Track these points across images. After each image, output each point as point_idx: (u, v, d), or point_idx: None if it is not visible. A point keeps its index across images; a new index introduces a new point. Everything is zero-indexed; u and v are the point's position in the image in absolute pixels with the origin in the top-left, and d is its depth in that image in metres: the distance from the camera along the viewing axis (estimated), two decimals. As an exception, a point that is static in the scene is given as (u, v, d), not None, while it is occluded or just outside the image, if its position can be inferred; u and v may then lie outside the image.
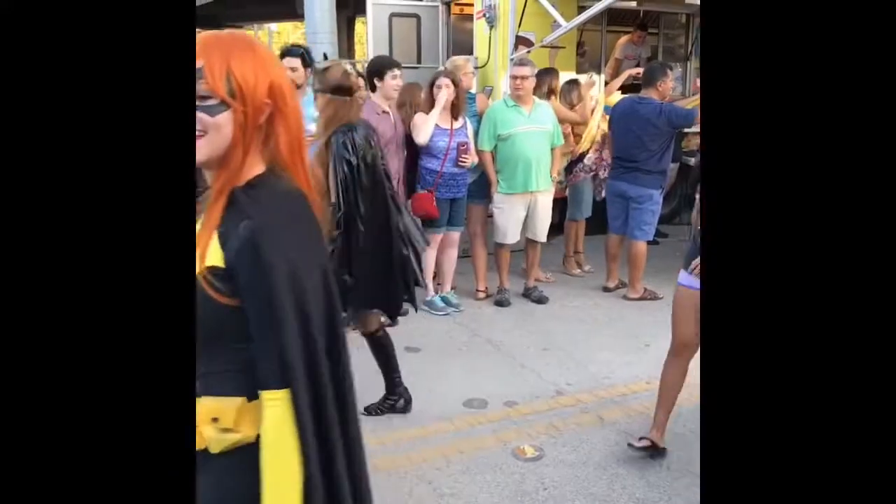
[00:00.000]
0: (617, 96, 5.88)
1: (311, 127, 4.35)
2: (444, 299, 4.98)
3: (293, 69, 4.30)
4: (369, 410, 3.36)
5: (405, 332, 4.56)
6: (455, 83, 4.65)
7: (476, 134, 4.92)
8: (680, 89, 7.37)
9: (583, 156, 5.59)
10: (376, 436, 3.19)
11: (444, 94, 4.55)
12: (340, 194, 2.94)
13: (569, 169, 5.64)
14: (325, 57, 5.03)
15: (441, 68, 5.40)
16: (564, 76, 5.80)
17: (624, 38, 7.27)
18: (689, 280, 2.81)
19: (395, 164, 4.53)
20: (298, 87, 4.42)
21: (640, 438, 2.97)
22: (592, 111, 5.54)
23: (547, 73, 5.53)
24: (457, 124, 4.72)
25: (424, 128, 4.57)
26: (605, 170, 5.50)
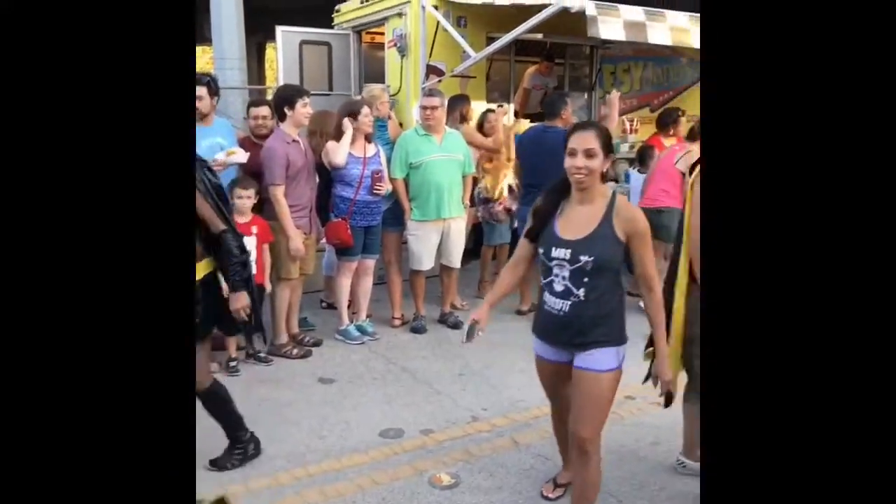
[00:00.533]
0: (526, 124, 6.04)
1: (220, 156, 4.26)
2: (359, 328, 4.94)
3: (199, 98, 4.21)
4: (219, 464, 3.08)
5: (320, 362, 4.49)
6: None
7: (389, 161, 4.95)
8: (585, 118, 7.65)
9: (491, 200, 5.70)
10: (288, 471, 3.11)
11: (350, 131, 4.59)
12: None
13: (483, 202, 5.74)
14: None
15: (357, 97, 5.40)
16: (476, 105, 5.93)
17: (532, 69, 7.51)
18: (543, 349, 2.64)
19: (307, 193, 4.50)
20: (205, 115, 4.33)
21: (555, 487, 2.96)
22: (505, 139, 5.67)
23: (459, 100, 5.64)
24: (370, 152, 4.73)
25: (340, 150, 4.57)
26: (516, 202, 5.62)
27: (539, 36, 5.76)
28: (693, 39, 5.61)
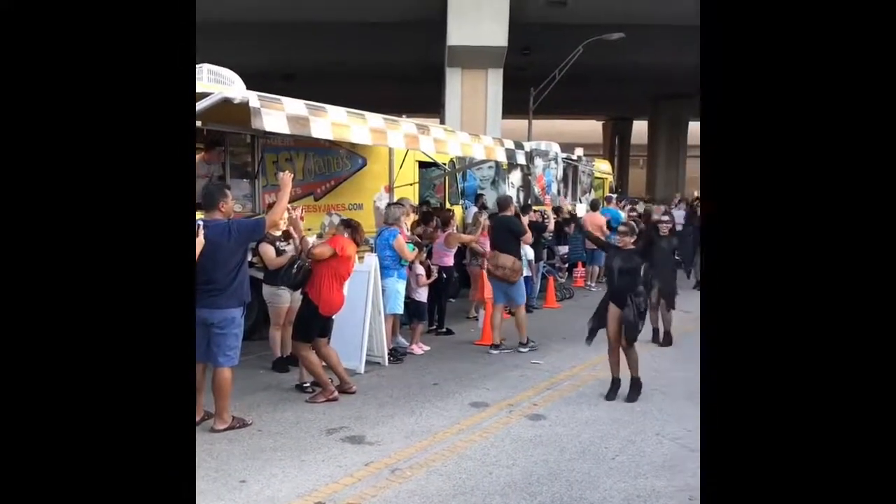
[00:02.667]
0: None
1: None
2: None
3: None
4: None
5: None
6: None
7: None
8: (250, 206, 7.46)
9: None
10: None
11: None
12: None
13: None
14: None
15: None
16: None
17: (197, 156, 7.12)
18: None
19: None
20: None
21: None
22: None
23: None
24: None
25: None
26: None
27: (198, 123, 5.48)
28: (352, 134, 5.88)
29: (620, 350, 5.85)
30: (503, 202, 7.88)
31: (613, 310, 5.84)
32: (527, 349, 7.42)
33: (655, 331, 8.09)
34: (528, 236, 7.78)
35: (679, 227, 11.67)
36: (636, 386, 5.83)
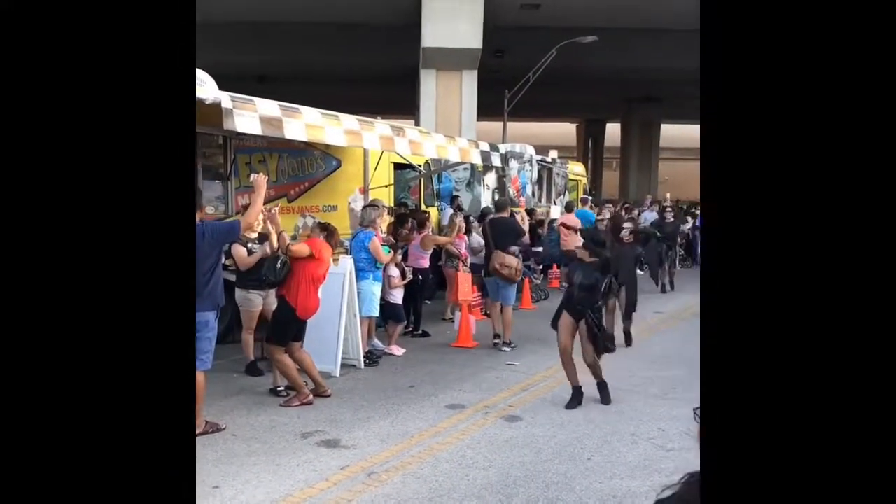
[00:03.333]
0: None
1: None
2: None
3: None
4: None
5: None
6: None
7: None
8: (223, 208, 7.38)
9: None
10: None
11: None
12: None
13: None
14: None
15: None
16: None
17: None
18: None
19: None
20: None
21: None
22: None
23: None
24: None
25: None
26: None
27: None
28: (326, 136, 5.85)
29: (574, 358, 5.68)
30: (501, 204, 8.26)
31: (566, 319, 5.71)
32: (509, 349, 7.52)
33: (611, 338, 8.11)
34: (527, 237, 7.98)
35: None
36: (604, 388, 5.72)
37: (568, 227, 10.75)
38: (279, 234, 5.59)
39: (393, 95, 27.77)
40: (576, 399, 5.63)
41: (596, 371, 5.75)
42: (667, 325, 9.52)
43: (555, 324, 5.89)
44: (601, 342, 5.64)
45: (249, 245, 6.05)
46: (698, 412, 1.18)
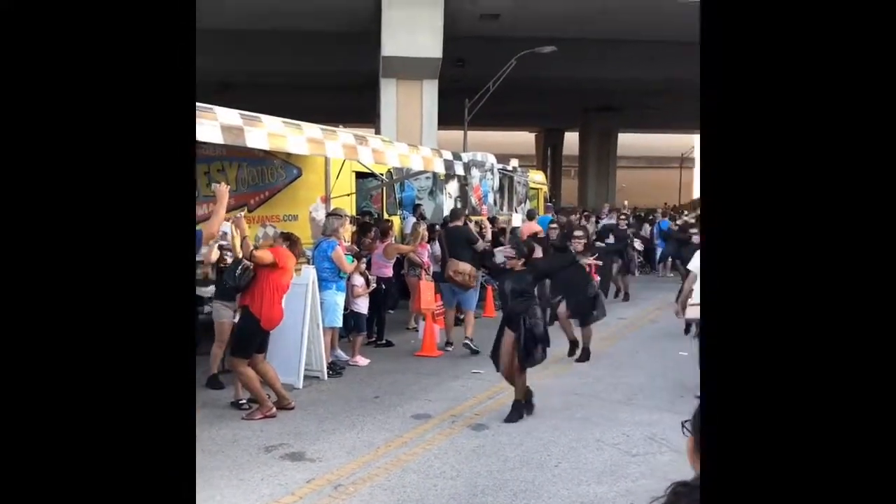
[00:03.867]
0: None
1: None
2: None
3: None
4: None
5: None
6: None
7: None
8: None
9: None
10: None
11: None
12: None
13: None
14: None
15: None
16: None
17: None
18: None
19: None
20: None
21: None
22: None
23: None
24: None
25: None
26: None
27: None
28: (289, 145, 5.79)
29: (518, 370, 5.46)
30: (455, 213, 8.32)
31: (508, 335, 5.48)
32: (472, 346, 7.60)
33: (573, 343, 7.65)
34: (481, 244, 7.95)
35: (609, 240, 11.90)
36: (518, 407, 5.42)
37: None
38: (243, 240, 5.51)
39: (352, 104, 27.65)
40: (517, 411, 5.44)
41: (519, 389, 5.47)
42: (629, 329, 9.65)
43: (495, 354, 5.60)
44: (527, 357, 5.36)
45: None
46: (688, 425, 1.18)
